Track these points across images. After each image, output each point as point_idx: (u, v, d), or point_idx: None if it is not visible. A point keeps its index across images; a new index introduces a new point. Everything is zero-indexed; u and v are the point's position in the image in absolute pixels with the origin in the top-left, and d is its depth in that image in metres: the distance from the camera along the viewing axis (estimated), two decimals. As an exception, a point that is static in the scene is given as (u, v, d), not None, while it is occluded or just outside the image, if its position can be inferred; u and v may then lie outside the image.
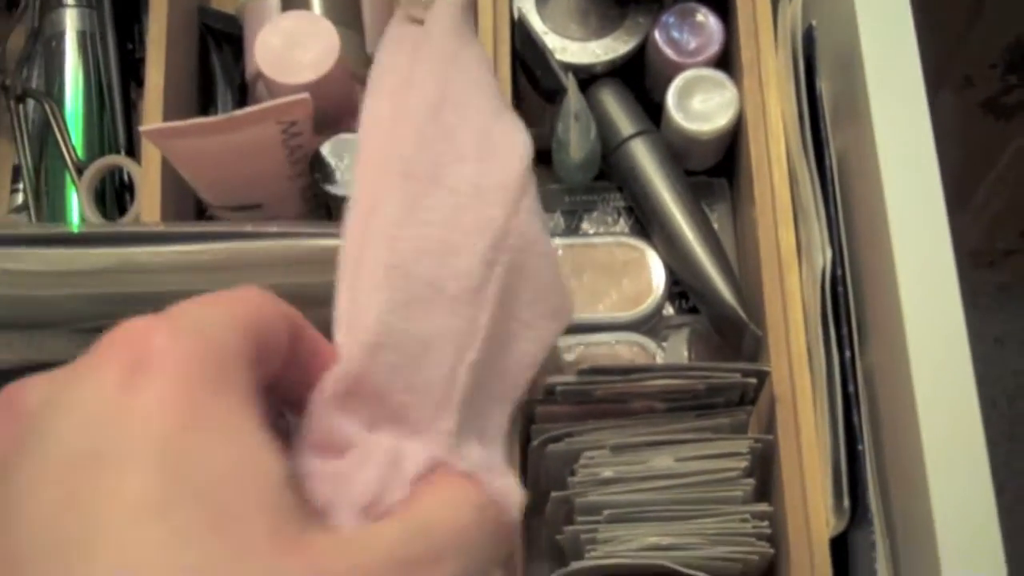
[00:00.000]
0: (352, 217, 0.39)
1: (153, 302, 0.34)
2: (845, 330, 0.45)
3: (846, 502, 0.44)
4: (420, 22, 0.49)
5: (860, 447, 0.44)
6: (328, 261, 0.40)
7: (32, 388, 0.28)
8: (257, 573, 0.25)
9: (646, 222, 0.57)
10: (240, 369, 0.28)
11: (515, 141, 0.44)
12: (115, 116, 0.66)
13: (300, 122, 0.48)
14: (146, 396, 0.26)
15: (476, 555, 0.30)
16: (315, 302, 0.40)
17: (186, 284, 0.48)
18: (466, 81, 0.45)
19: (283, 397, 0.32)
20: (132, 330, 0.27)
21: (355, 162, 0.44)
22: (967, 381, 0.41)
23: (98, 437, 0.26)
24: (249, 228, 0.45)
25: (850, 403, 0.44)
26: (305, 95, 0.47)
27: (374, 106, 0.44)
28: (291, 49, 0.51)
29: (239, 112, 0.47)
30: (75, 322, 0.55)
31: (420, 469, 0.32)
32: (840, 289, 0.46)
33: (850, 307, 0.46)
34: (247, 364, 0.28)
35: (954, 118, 1.11)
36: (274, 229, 0.46)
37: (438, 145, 0.41)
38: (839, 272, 0.46)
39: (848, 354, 0.45)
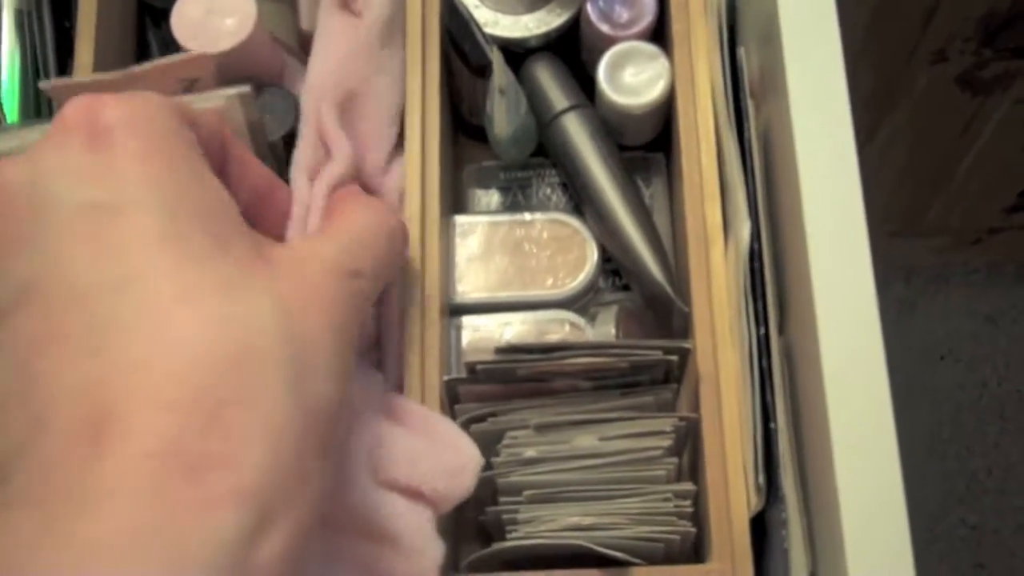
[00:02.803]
0: None
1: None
2: (761, 305, 0.44)
3: (761, 479, 0.43)
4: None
5: (772, 425, 0.43)
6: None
7: (5, 168, 0.32)
8: (260, 282, 0.31)
9: (578, 198, 0.56)
10: (185, 130, 0.33)
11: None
12: (52, 95, 0.66)
13: (202, 80, 0.47)
14: (120, 152, 0.30)
15: (383, 271, 0.38)
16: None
17: None
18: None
19: None
20: (79, 106, 0.32)
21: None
22: (877, 358, 0.40)
23: (94, 191, 0.30)
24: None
25: (764, 380, 0.44)
26: (205, 51, 0.47)
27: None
28: (207, 17, 0.50)
29: (137, 68, 0.46)
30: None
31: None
32: (756, 264, 0.45)
33: (765, 281, 0.45)
34: (188, 128, 0.33)
35: (930, 95, 1.10)
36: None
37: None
38: (756, 246, 0.45)
39: (763, 330, 0.44)
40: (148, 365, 0.28)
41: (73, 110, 0.32)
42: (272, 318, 0.30)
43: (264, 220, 0.41)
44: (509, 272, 0.54)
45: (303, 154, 0.47)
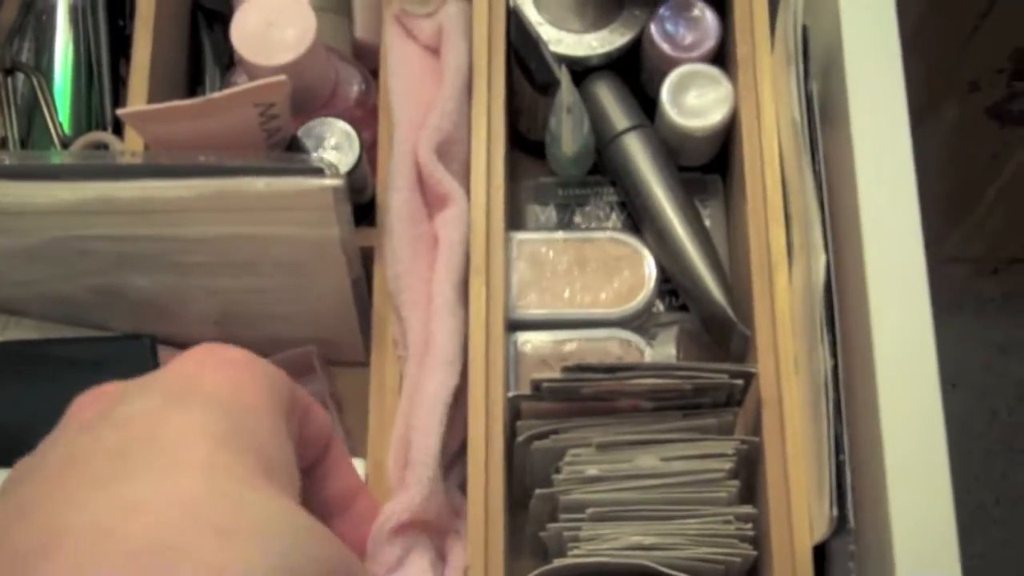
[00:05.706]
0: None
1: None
2: (831, 337, 0.45)
3: (835, 511, 0.43)
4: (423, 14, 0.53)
5: (842, 457, 0.43)
6: (315, 207, 0.47)
7: (86, 406, 0.30)
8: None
9: (638, 218, 0.56)
10: (282, 419, 0.31)
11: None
12: (103, 92, 0.65)
13: (278, 104, 0.47)
14: (188, 416, 0.28)
15: None
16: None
17: (170, 227, 0.48)
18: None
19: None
20: (198, 351, 0.30)
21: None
22: (932, 392, 0.41)
23: (142, 447, 0.27)
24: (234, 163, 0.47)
25: (836, 412, 0.44)
26: (282, 77, 0.46)
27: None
28: (268, 29, 0.50)
29: (216, 95, 0.46)
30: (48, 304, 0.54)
31: None
32: (828, 296, 0.45)
33: (835, 314, 0.46)
34: (293, 420, 0.31)
35: (959, 124, 1.10)
36: (261, 163, 0.47)
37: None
38: (828, 278, 0.46)
39: (833, 362, 0.44)
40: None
41: (177, 362, 0.30)
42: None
43: (340, 525, 0.37)
44: (568, 289, 0.54)
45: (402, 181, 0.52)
